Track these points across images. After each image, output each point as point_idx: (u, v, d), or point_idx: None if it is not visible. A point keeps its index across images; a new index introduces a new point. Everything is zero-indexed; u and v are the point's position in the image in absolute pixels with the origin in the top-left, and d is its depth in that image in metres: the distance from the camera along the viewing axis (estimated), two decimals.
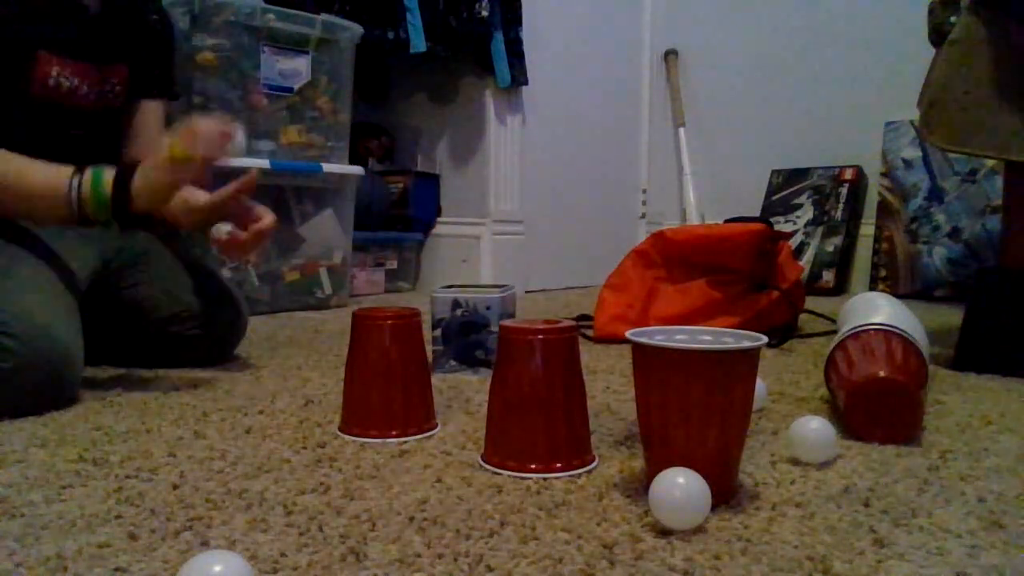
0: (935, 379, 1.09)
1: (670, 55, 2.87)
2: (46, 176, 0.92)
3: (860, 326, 0.88)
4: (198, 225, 1.05)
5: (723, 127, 2.78)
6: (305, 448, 0.76)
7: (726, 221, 1.60)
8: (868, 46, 2.42)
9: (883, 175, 2.37)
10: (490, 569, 0.50)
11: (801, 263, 2.10)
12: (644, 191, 2.93)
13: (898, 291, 2.24)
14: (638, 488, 0.65)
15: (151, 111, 1.21)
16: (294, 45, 1.80)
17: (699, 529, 0.56)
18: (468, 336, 1.12)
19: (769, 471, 0.70)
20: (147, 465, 0.70)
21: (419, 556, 0.51)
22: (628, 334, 0.63)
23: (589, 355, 1.29)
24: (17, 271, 0.93)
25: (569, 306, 1.97)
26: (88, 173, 0.92)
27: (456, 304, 1.11)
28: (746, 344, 0.60)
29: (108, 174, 0.92)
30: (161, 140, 0.96)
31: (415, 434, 0.80)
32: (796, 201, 2.55)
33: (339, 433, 0.81)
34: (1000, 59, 1.13)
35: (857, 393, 0.79)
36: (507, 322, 0.71)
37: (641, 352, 0.62)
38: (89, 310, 1.01)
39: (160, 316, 1.14)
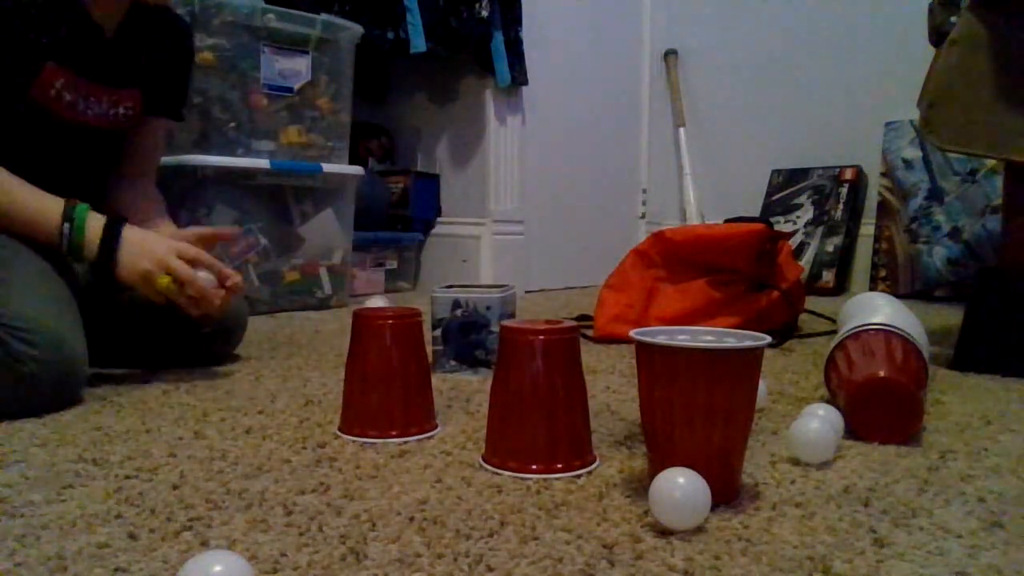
0: (935, 379, 1.09)
1: (670, 55, 2.87)
2: (38, 206, 0.97)
3: (860, 326, 0.88)
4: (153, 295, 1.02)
5: (723, 127, 2.78)
6: (305, 448, 0.76)
7: (726, 221, 1.60)
8: (868, 46, 2.43)
9: (883, 175, 2.37)
10: (490, 569, 0.50)
11: (801, 263, 2.10)
12: (644, 191, 2.93)
13: (898, 291, 2.24)
14: (638, 488, 0.65)
15: (153, 129, 1.22)
16: (294, 45, 1.79)
17: (699, 529, 0.56)
18: (468, 336, 1.12)
19: (769, 471, 0.70)
20: (147, 465, 0.70)
21: (419, 556, 0.51)
22: (633, 334, 0.63)
23: (589, 355, 1.29)
24: (25, 276, 0.93)
25: (569, 306, 1.97)
26: (75, 220, 0.97)
27: (456, 304, 1.11)
28: (752, 344, 0.60)
29: (94, 227, 0.97)
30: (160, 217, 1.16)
31: (415, 434, 0.80)
32: (796, 201, 2.55)
33: (339, 433, 0.81)
34: (1000, 59, 1.13)
35: (857, 393, 0.79)
36: (508, 322, 0.71)
37: (648, 352, 0.62)
38: (88, 308, 1.01)
39: (158, 312, 1.12)
